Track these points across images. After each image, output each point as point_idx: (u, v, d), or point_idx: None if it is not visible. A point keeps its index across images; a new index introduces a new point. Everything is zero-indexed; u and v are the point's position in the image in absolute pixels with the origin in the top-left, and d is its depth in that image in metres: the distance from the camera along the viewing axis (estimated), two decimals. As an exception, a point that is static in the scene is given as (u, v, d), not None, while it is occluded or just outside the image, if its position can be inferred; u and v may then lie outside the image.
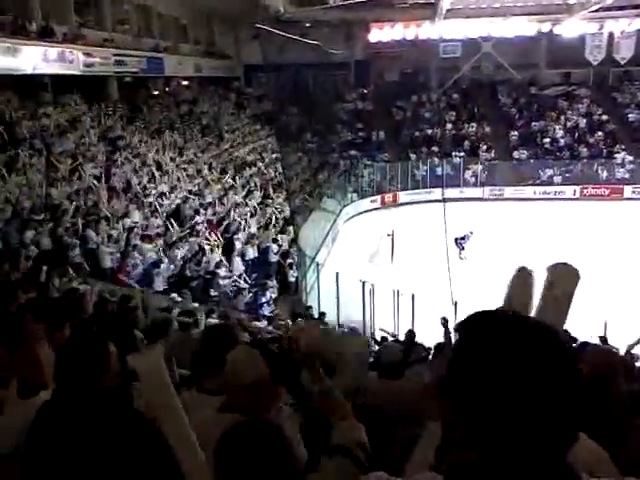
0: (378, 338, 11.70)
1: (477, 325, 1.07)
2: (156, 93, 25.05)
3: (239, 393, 2.12)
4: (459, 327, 1.09)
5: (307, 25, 30.52)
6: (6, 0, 17.19)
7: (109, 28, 22.16)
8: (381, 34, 32.66)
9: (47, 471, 1.04)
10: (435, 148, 29.66)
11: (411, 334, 9.44)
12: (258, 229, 17.42)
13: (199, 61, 28.71)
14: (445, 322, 8.00)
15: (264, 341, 7.38)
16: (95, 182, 14.54)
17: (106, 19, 22.12)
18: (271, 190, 21.14)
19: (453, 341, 1.14)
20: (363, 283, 15.04)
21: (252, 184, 20.69)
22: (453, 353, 1.06)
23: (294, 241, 18.37)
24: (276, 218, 18.71)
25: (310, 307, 15.66)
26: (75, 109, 17.70)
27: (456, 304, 12.37)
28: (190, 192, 17.22)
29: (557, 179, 28.14)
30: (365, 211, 26.01)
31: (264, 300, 15.23)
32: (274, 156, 25.35)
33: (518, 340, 0.99)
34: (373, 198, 27.08)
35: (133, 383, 2.29)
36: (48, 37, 17.66)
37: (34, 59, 16.85)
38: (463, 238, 19.89)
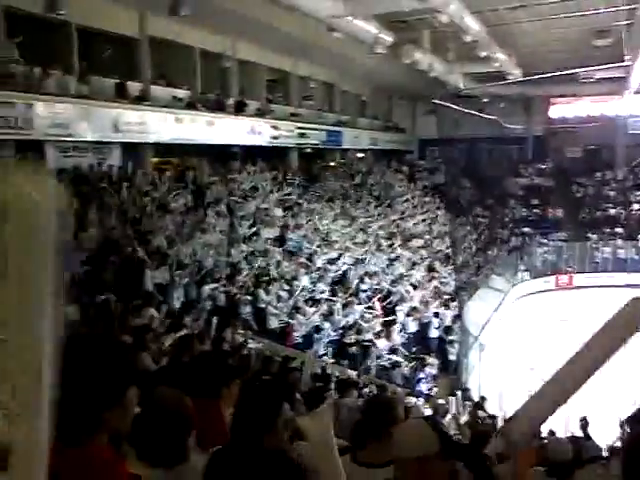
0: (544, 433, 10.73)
1: None
2: (332, 164, 26.27)
3: (408, 466, 2.06)
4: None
5: (484, 100, 30.45)
6: (210, 80, 19.36)
7: (295, 103, 23.90)
8: (563, 110, 31.59)
9: None
10: (619, 229, 27.45)
11: (585, 424, 8.55)
12: (420, 303, 17.16)
13: (375, 134, 29.75)
14: (622, 423, 7.06)
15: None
16: (270, 245, 15.42)
17: (293, 95, 23.91)
18: (437, 263, 20.86)
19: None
20: (531, 370, 14.05)
21: (418, 256, 20.60)
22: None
23: (458, 317, 17.83)
24: (440, 292, 18.35)
25: (468, 389, 14.93)
26: (259, 177, 19.10)
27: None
28: (357, 260, 17.54)
29: None
30: (537, 292, 24.54)
31: (422, 376, 14.82)
32: (443, 229, 25.12)
33: None
34: (546, 279, 25.50)
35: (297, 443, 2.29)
36: (242, 112, 19.50)
37: (229, 131, 18.65)
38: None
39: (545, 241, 27.29)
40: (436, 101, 30.26)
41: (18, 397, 0.97)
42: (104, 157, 15.35)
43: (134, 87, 15.96)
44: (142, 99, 15.92)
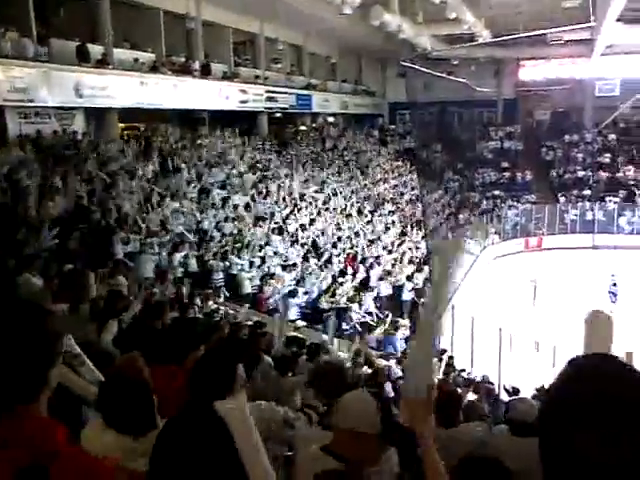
0: (510, 388, 10.97)
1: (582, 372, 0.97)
2: (303, 128, 25.95)
3: (346, 438, 2.08)
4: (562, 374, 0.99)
5: (454, 63, 30.30)
6: (175, 42, 18.79)
7: (263, 66, 23.42)
8: (532, 72, 31.64)
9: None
10: (587, 192, 27.85)
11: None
12: (393, 266, 17.23)
13: (345, 98, 29.45)
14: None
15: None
16: (241, 211, 15.22)
17: (260, 58, 23.41)
18: (409, 227, 20.92)
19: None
20: (500, 330, 14.28)
21: (390, 220, 20.61)
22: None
23: (429, 280, 17.94)
24: (412, 256, 18.44)
25: (445, 350, 15.12)
26: (228, 142, 18.76)
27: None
28: (329, 225, 17.45)
29: None
30: (507, 254, 24.87)
31: (395, 338, 14.94)
32: (414, 193, 25.15)
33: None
34: (516, 241, 25.86)
35: None
36: (208, 75, 19.02)
37: (195, 95, 18.20)
38: (614, 286, 18.54)
39: (515, 204, 27.55)
40: (405, 64, 29.95)
41: None
42: (68, 123, 14.88)
43: (96, 50, 15.40)
44: (104, 63, 15.38)
